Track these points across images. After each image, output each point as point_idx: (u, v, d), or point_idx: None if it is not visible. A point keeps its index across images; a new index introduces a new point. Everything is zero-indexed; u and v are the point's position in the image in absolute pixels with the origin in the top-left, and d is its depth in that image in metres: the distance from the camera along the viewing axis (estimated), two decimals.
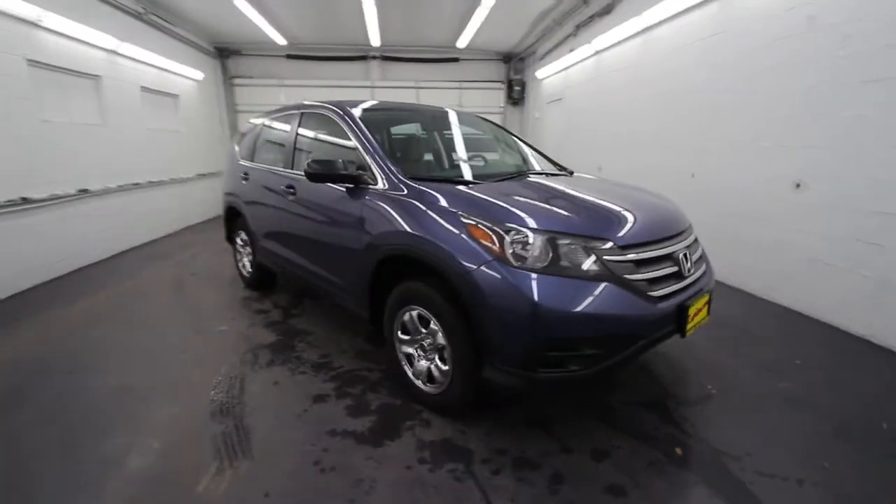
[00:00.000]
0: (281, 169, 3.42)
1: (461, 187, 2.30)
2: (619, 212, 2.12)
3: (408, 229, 2.16)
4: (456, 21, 7.60)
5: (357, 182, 2.55)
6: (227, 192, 4.32)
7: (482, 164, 3.12)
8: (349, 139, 2.80)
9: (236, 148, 4.38)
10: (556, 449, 2.04)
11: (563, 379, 1.85)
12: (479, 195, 2.15)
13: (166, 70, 7.05)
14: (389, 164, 2.49)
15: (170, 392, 2.54)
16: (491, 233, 1.89)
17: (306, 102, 3.45)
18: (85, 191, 5.10)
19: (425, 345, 2.26)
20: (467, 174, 2.80)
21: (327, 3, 6.78)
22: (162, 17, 6.85)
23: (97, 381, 2.65)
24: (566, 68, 7.83)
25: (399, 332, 2.40)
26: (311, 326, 3.44)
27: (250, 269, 4.23)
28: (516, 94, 10.14)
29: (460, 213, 2.02)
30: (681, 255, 2.12)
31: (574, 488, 1.81)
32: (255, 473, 1.90)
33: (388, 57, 9.82)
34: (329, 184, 2.74)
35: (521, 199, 2.15)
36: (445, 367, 2.15)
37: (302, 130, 3.35)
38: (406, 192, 2.33)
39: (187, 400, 2.46)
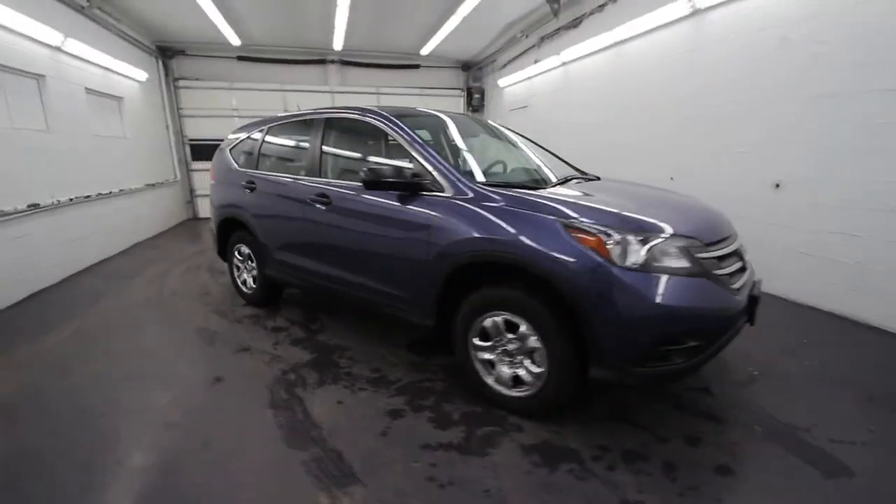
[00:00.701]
0: (304, 178, 3.24)
1: (536, 193, 2.34)
2: (693, 212, 2.28)
3: (500, 236, 2.16)
4: (426, 28, 7.64)
5: (420, 190, 2.51)
6: (224, 204, 4.00)
7: (522, 169, 3.17)
8: (394, 146, 2.75)
9: (229, 155, 4.07)
10: (653, 439, 2.14)
11: (669, 372, 1.96)
12: (565, 200, 2.20)
13: (110, 70, 6.36)
14: (455, 172, 2.48)
15: (227, 423, 2.31)
16: (594, 236, 1.96)
17: (328, 108, 3.31)
18: (35, 205, 4.47)
19: (511, 349, 2.27)
20: (521, 179, 2.82)
21: (298, 1, 6.52)
22: (106, 11, 6.18)
23: (131, 421, 2.35)
24: (530, 78, 8.16)
25: (476, 340, 2.38)
26: (343, 341, 3.29)
27: (254, 285, 3.95)
28: (476, 102, 10.35)
29: (557, 218, 2.06)
30: (742, 251, 2.34)
31: (689, 474, 1.91)
32: (374, 498, 1.80)
33: (347, 61, 9.61)
34: (379, 192, 2.66)
35: (604, 202, 2.23)
36: (539, 370, 2.18)
37: (329, 138, 3.21)
38: (481, 198, 2.33)
39: (251, 430, 2.25)
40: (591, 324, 1.93)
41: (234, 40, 7.88)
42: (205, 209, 9.55)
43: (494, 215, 2.23)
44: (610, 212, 2.09)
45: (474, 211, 2.30)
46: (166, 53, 8.52)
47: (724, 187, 4.41)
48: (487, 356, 2.37)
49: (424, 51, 8.99)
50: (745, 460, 2.00)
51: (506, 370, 2.31)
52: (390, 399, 2.52)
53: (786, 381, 2.66)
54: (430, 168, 2.53)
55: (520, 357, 2.25)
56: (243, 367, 2.92)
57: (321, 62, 9.50)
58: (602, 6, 6.05)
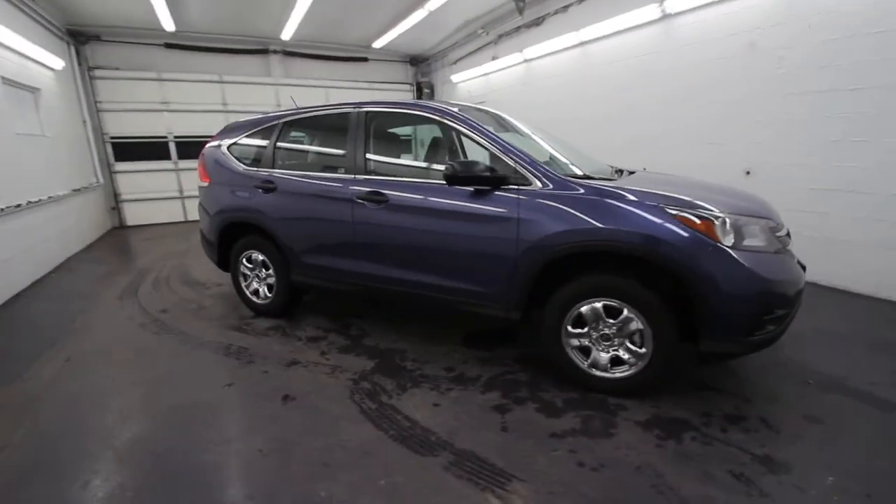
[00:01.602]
0: (345, 176, 3.06)
1: (618, 184, 2.47)
2: (756, 200, 2.57)
3: (606, 226, 2.24)
4: (387, 20, 7.46)
5: (505, 183, 2.51)
6: (227, 209, 3.62)
7: (570, 161, 3.20)
8: (461, 142, 2.74)
9: (229, 154, 3.69)
10: (739, 401, 2.39)
11: (765, 339, 2.21)
12: (653, 190, 2.35)
13: (26, 56, 5.37)
14: (542, 165, 2.52)
15: (336, 442, 2.15)
16: (700, 220, 2.13)
17: (368, 102, 3.14)
18: None
19: (609, 333, 2.38)
20: (587, 170, 2.83)
21: None
22: None
23: (217, 457, 2.09)
24: (487, 74, 8.34)
25: (569, 327, 2.46)
26: (395, 344, 3.18)
27: (269, 294, 3.64)
28: (426, 97, 10.33)
29: (662, 205, 2.20)
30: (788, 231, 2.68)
31: (787, 425, 2.18)
32: (542, 490, 1.81)
33: (291, 52, 9.05)
34: (452, 188, 2.63)
35: (683, 192, 2.40)
36: (641, 350, 2.32)
37: (375, 133, 3.06)
38: (566, 189, 2.40)
39: (368, 444, 2.12)
40: (707, 301, 2.11)
41: (169, 24, 7.03)
42: (134, 216, 8.47)
43: (610, 206, 2.29)
44: (702, 198, 2.27)
45: (569, 202, 2.36)
46: (79, 39, 7.37)
47: (699, 175, 4.92)
48: (581, 342, 2.46)
49: (378, 44, 8.76)
50: (820, 408, 2.32)
51: (603, 354, 2.42)
52: (485, 395, 2.52)
53: (803, 341, 3.09)
54: (510, 161, 2.54)
55: (619, 340, 2.37)
56: (307, 382, 2.71)
57: (263, 52, 8.84)
58: (566, 7, 6.37)
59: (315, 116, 3.39)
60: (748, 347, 2.20)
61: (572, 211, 2.34)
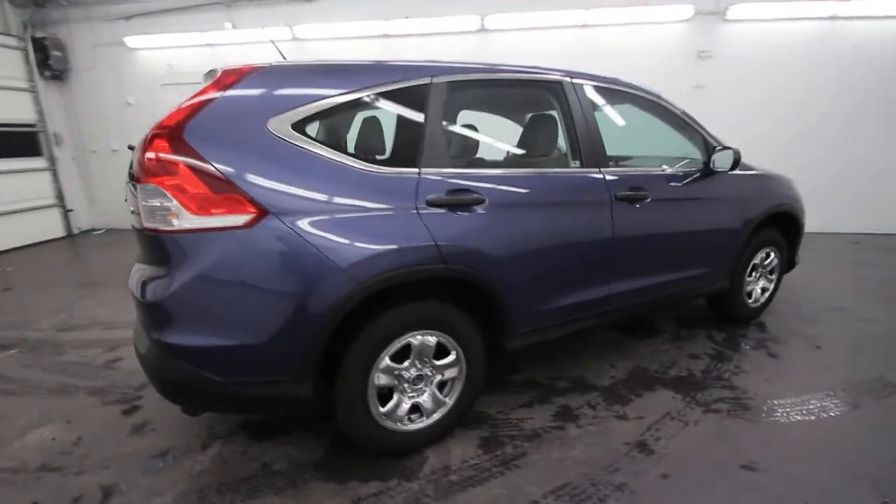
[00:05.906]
0: (589, 171, 2.22)
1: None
2: None
3: (787, 195, 3.09)
4: None
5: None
6: (368, 264, 1.63)
7: None
8: (670, 122, 2.74)
9: (306, 140, 1.63)
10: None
11: None
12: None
13: None
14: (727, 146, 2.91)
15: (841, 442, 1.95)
16: None
17: (573, 71, 2.30)
18: None
19: (766, 271, 3.21)
20: None
21: None
22: None
23: None
24: (214, 45, 6.23)
25: (747, 277, 3.08)
26: (616, 370, 2.65)
27: (447, 398, 2.00)
28: (56, 64, 6.26)
29: (787, 178, 3.21)
30: None
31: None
32: None
33: None
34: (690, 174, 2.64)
35: None
36: (773, 276, 3.29)
37: (597, 113, 2.35)
38: (754, 170, 2.98)
39: (853, 430, 2.08)
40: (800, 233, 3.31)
41: None
42: None
43: (768, 181, 3.05)
44: None
45: (760, 179, 2.98)
46: None
47: None
48: (752, 287, 3.17)
49: None
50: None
51: (758, 288, 3.22)
52: (772, 357, 2.79)
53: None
54: (714, 144, 2.78)
55: (768, 275, 3.25)
56: (711, 445, 2.01)
57: None
58: None
59: (500, 80, 2.08)
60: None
61: (767, 186, 2.99)
